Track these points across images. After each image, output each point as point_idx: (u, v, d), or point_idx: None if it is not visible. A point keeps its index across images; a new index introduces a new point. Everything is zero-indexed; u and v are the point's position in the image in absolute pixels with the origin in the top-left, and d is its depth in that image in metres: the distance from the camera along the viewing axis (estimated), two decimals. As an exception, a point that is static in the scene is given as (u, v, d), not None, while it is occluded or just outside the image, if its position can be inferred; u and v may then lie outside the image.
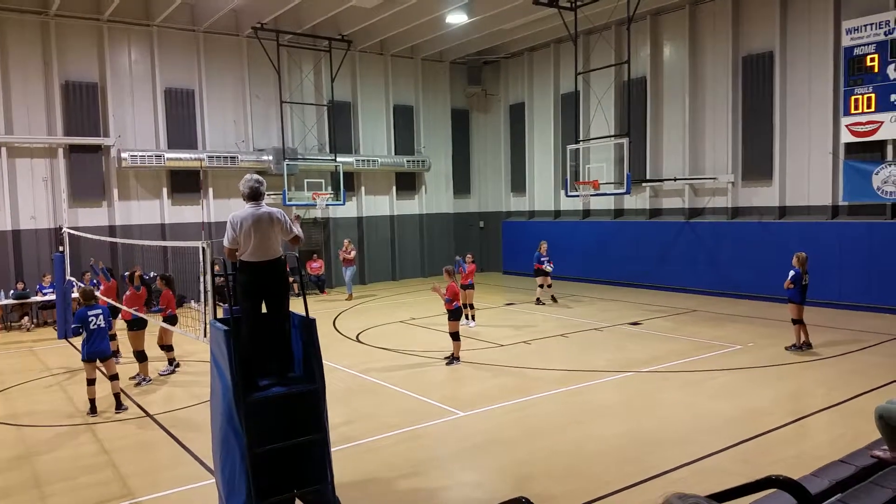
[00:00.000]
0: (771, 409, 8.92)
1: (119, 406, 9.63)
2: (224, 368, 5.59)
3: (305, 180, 21.51)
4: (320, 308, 18.37)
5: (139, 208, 19.74)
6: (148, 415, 9.52)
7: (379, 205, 24.38)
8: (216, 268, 10.81)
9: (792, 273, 11.82)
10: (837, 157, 16.27)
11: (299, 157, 21.49)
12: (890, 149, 15.37)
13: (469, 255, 16.59)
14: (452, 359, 11.88)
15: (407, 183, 24.95)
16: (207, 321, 7.78)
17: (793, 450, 7.50)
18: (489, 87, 26.30)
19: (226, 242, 5.90)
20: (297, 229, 6.23)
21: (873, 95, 15.26)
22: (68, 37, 18.48)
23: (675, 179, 19.60)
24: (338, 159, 21.77)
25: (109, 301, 12.38)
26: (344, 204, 22.37)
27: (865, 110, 15.41)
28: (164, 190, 20.00)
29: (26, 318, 17.22)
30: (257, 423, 5.44)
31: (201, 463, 7.50)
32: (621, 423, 8.68)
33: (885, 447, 5.95)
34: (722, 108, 18.63)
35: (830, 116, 16.35)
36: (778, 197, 17.57)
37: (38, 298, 17.35)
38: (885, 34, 14.97)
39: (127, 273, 13.16)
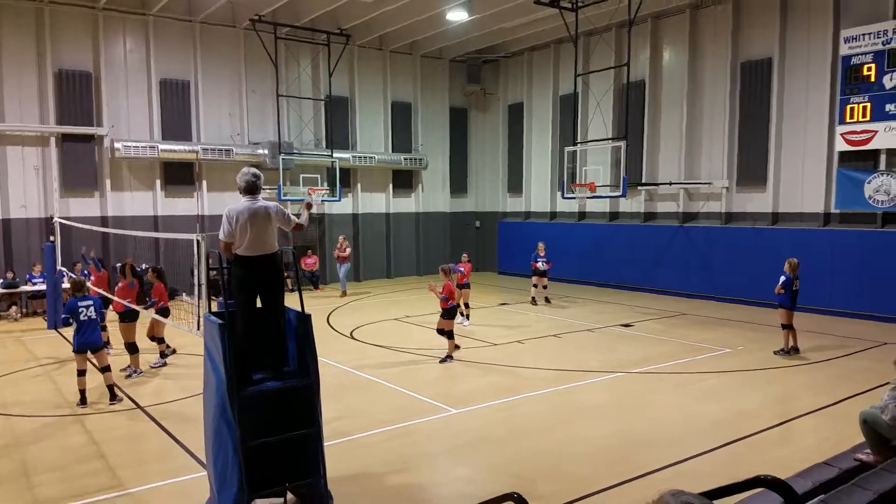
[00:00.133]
0: (758, 411, 9.01)
1: (113, 397, 9.58)
2: (218, 362, 5.59)
3: (301, 175, 21.44)
4: (314, 304, 18.34)
5: (132, 199, 19.63)
6: (139, 406, 9.49)
7: (375, 202, 24.33)
8: (210, 261, 10.75)
9: (783, 279, 11.93)
10: (831, 165, 16.37)
11: (295, 151, 21.44)
12: (883, 158, 15.46)
13: (465, 255, 16.64)
14: (450, 356, 11.91)
15: (404, 181, 24.91)
16: (201, 314, 7.77)
17: (779, 452, 7.59)
18: (488, 87, 26.29)
19: (221, 236, 5.89)
20: (304, 217, 6.29)
21: (869, 105, 15.35)
22: (62, 24, 18.31)
23: (671, 184, 19.66)
24: (334, 155, 21.74)
25: (101, 292, 12.34)
26: (340, 200, 22.34)
27: (860, 119, 15.49)
28: (158, 181, 19.90)
29: (14, 307, 17.12)
30: (251, 417, 5.45)
31: (192, 455, 7.49)
32: (611, 422, 8.74)
33: (868, 451, 6.06)
34: (719, 114, 18.70)
35: (826, 124, 16.43)
36: (771, 203, 17.67)
37: (28, 288, 17.27)
38: (883, 44, 15.05)
39: (119, 264, 13.12)
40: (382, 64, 23.89)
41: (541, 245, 18.35)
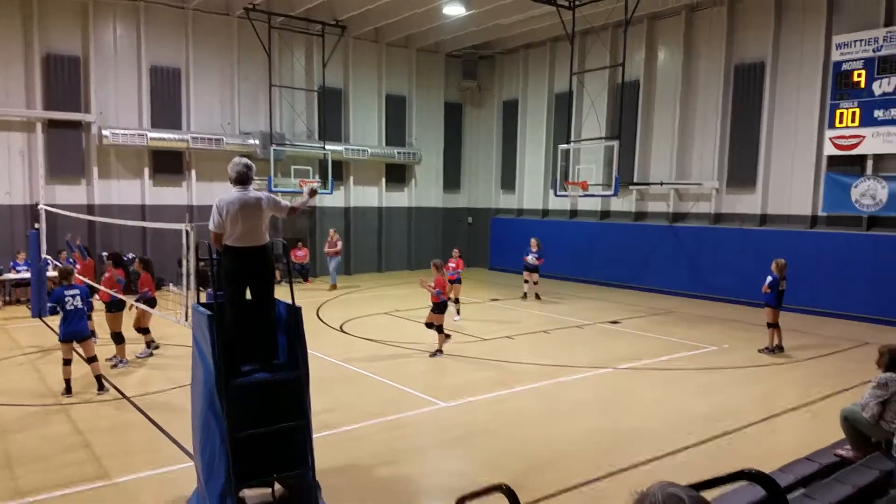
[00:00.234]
0: (743, 407, 9.13)
1: (101, 388, 9.50)
2: (207, 353, 5.56)
3: (292, 167, 21.32)
4: (303, 297, 18.21)
5: (119, 188, 19.42)
6: (125, 397, 9.42)
7: (367, 196, 24.23)
8: (199, 251, 10.69)
9: (770, 278, 12.07)
10: (819, 169, 16.51)
11: (287, 142, 21.30)
12: (870, 163, 15.60)
13: (456, 250, 16.63)
14: (437, 352, 11.92)
15: (397, 175, 24.83)
16: (189, 305, 7.74)
17: (762, 447, 7.70)
18: (483, 83, 26.22)
19: (211, 226, 5.84)
20: (300, 200, 6.31)
21: (858, 110, 15.48)
22: (51, 7, 18.04)
23: (662, 184, 19.75)
24: (326, 147, 21.63)
25: (86, 280, 12.23)
26: (331, 193, 22.26)
27: (849, 124, 15.63)
28: (146, 170, 19.71)
29: (-3, 294, 16.97)
30: (239, 409, 5.42)
31: (179, 446, 7.47)
32: (598, 417, 8.82)
33: (848, 447, 6.21)
34: (711, 115, 18.79)
35: (816, 128, 16.55)
36: (760, 205, 17.79)
37: (12, 276, 17.05)
38: (874, 51, 15.17)
39: (105, 253, 13.00)
40: (377, 56, 23.76)
41: (533, 241, 18.41)
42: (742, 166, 18.17)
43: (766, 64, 17.49)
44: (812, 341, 13.33)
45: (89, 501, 6.22)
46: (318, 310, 16.53)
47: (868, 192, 15.41)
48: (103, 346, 11.64)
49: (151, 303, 11.43)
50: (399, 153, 24.08)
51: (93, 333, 11.52)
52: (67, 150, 18.49)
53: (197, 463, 5.95)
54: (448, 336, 12.18)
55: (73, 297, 9.44)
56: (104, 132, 18.38)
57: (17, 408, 8.91)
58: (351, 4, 20.03)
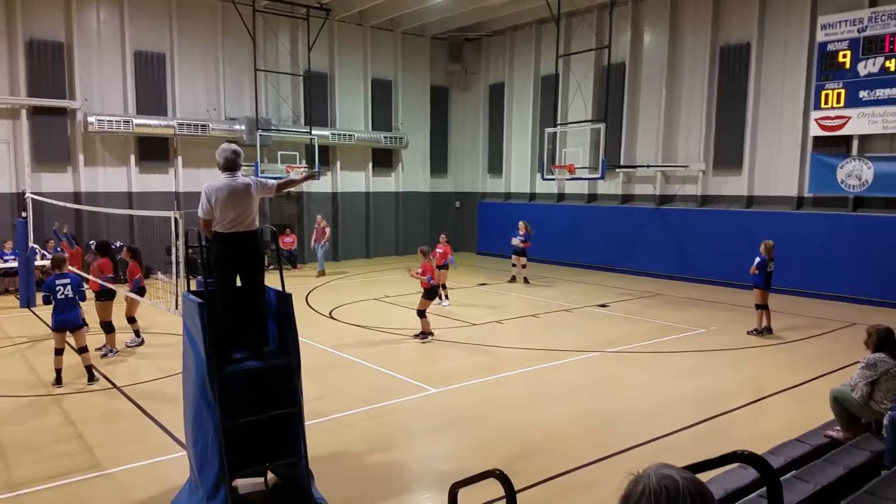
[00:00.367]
0: (732, 390, 9.22)
1: (91, 378, 9.48)
2: (198, 341, 5.55)
3: (279, 152, 21.21)
4: (292, 283, 18.09)
5: (105, 175, 19.26)
6: (115, 386, 9.40)
7: (355, 181, 24.14)
8: (188, 238, 10.61)
9: (758, 259, 12.15)
10: (805, 150, 16.60)
11: (273, 128, 21.16)
12: (855, 144, 15.72)
13: (443, 236, 16.63)
14: (425, 335, 11.96)
15: (384, 160, 24.74)
16: (179, 293, 7.70)
17: (752, 429, 7.80)
18: (470, 66, 26.10)
19: (200, 213, 5.80)
20: (293, 176, 6.24)
21: (843, 91, 15.56)
22: (34, -8, 17.83)
23: (648, 166, 19.81)
24: (313, 132, 21.50)
25: (74, 269, 12.12)
26: (318, 179, 22.14)
27: (835, 105, 15.71)
28: (132, 157, 19.54)
29: (-15, 284, 16.83)
30: (231, 397, 5.42)
31: (170, 435, 7.47)
32: (588, 401, 8.87)
33: (838, 428, 6.26)
34: (697, 97, 18.82)
35: (801, 110, 16.63)
36: (746, 186, 17.90)
37: (-1, 265, 16.95)
38: (859, 31, 15.23)
39: (93, 242, 12.88)
40: (363, 40, 23.58)
41: (521, 224, 18.45)
42: (728, 148, 18.25)
43: (752, 45, 17.52)
44: (800, 322, 13.47)
45: (82, 492, 6.22)
46: (306, 296, 16.51)
47: (854, 173, 15.53)
48: (92, 336, 11.60)
49: (141, 292, 11.37)
50: (386, 138, 23.97)
51: (84, 323, 11.47)
52: (52, 138, 18.30)
53: (189, 452, 5.95)
54: (431, 334, 12.14)
55: (64, 286, 9.38)
56: (89, 119, 18.19)
57: (8, 398, 8.87)
58: (335, -13, 19.86)
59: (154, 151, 19.81)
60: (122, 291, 11.21)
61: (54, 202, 15.67)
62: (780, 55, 17.10)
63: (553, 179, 20.05)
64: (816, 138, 16.30)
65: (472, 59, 26.04)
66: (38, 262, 15.87)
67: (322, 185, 23.02)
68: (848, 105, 15.49)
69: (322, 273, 20.17)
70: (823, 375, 9.72)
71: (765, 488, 3.69)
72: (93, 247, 12.51)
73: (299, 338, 5.94)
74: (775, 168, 17.38)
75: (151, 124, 19.21)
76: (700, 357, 10.98)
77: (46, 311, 13.75)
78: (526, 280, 18.50)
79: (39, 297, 14.91)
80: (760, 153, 17.67)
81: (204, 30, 20.38)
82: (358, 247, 24.37)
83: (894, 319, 11.39)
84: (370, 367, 10.36)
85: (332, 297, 16.57)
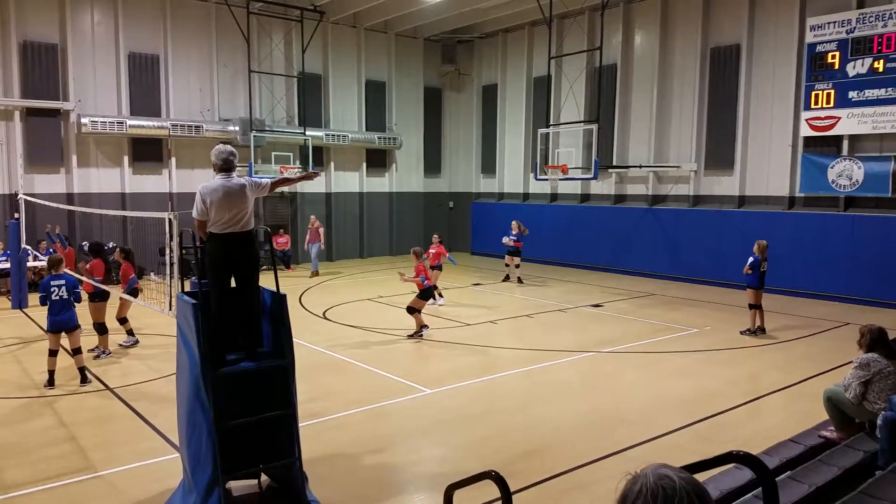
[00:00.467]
0: (725, 390, 9.23)
1: (84, 380, 9.46)
2: (191, 342, 5.53)
3: (273, 153, 21.20)
4: (286, 284, 18.09)
5: (98, 176, 19.20)
6: (108, 388, 9.37)
7: (348, 181, 24.14)
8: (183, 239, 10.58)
9: (751, 259, 12.16)
10: (796, 150, 16.68)
11: (267, 128, 21.13)
12: (846, 144, 15.81)
13: (436, 236, 16.63)
14: (421, 329, 11.96)
15: (377, 160, 24.75)
16: (173, 294, 7.68)
17: (746, 429, 7.80)
18: (462, 67, 26.17)
19: (195, 214, 5.79)
20: (289, 174, 6.22)
21: (833, 91, 15.66)
22: (28, -7, 17.80)
23: (641, 167, 19.88)
24: (307, 133, 21.51)
25: (66, 270, 12.06)
26: (314, 178, 22.07)
27: (825, 105, 15.82)
28: (125, 158, 19.50)
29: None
30: (225, 398, 5.41)
31: (164, 437, 7.45)
32: (583, 401, 8.89)
33: (832, 428, 6.26)
34: (688, 98, 18.90)
35: (791, 110, 16.72)
36: (738, 186, 17.97)
37: (-8, 266, 16.84)
38: (847, 32, 15.33)
39: (85, 243, 12.82)
40: (356, 42, 23.60)
41: (514, 223, 18.49)
42: (720, 148, 18.34)
43: (742, 46, 17.61)
44: (793, 322, 13.52)
45: (75, 494, 6.20)
46: (300, 297, 16.50)
47: (844, 173, 15.61)
48: (84, 337, 11.53)
49: (134, 293, 11.33)
50: (379, 138, 23.98)
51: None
52: (46, 139, 18.25)
53: (183, 454, 5.93)
54: (425, 326, 12.17)
55: (59, 287, 9.34)
56: (83, 120, 18.16)
57: (0, 400, 8.82)
58: (329, -11, 19.86)
59: (148, 152, 19.76)
60: (115, 293, 11.17)
61: (47, 203, 15.63)
62: (769, 56, 17.19)
63: (546, 180, 20.09)
64: (807, 138, 16.40)
65: (464, 60, 26.09)
66: (31, 264, 15.79)
67: (316, 185, 23.00)
68: (838, 105, 15.59)
69: (315, 273, 20.16)
70: (817, 375, 9.73)
71: (760, 489, 3.70)
72: (85, 248, 12.46)
73: (293, 338, 5.93)
74: (767, 168, 17.47)
75: (145, 125, 19.18)
76: (694, 357, 11.01)
77: (38, 313, 13.78)
78: (520, 280, 18.54)
79: (32, 298, 14.96)
80: (752, 153, 17.74)
81: (198, 31, 20.37)
82: (352, 247, 24.37)
83: (887, 319, 11.56)
84: (364, 367, 10.35)
85: (325, 297, 16.56)
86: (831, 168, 15.81)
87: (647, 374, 10.06)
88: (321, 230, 20.66)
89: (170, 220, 8.41)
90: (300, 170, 21.25)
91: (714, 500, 4.13)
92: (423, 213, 25.99)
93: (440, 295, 15.48)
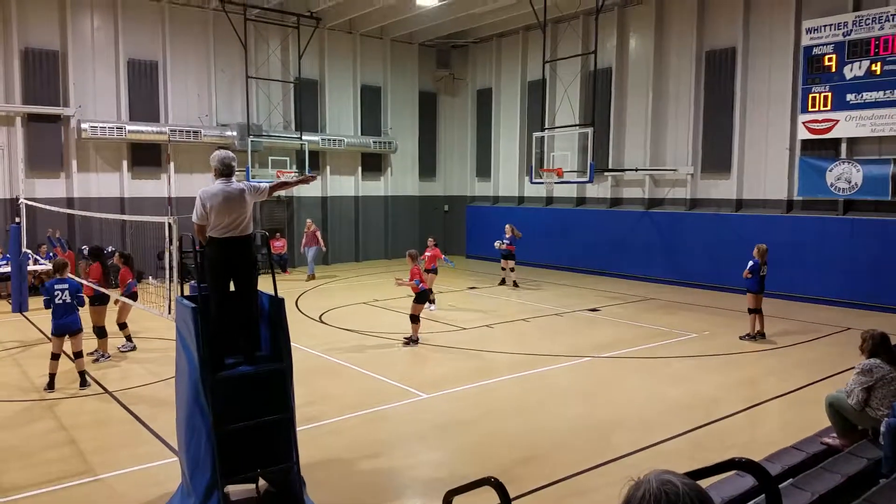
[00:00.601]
0: (725, 395, 9.18)
1: (84, 383, 9.47)
2: (191, 346, 5.55)
3: (270, 158, 21.25)
4: (282, 288, 18.06)
5: (98, 181, 19.26)
6: (107, 391, 9.38)
7: (344, 185, 24.18)
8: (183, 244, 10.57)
9: (751, 263, 12.08)
10: (794, 153, 16.71)
11: (264, 133, 21.19)
12: (844, 147, 15.81)
13: (431, 240, 16.61)
14: (410, 340, 11.95)
15: (373, 164, 24.79)
16: (173, 298, 7.68)
17: (746, 436, 7.77)
18: (457, 71, 26.24)
19: (195, 218, 5.82)
20: (287, 177, 6.24)
21: (830, 94, 15.67)
22: (29, 2, 17.88)
23: (637, 170, 19.91)
24: (303, 138, 21.55)
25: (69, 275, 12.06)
26: (310, 182, 22.10)
27: (822, 108, 15.81)
28: (125, 163, 19.55)
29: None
30: (224, 402, 5.42)
31: (163, 441, 7.47)
32: (580, 406, 8.89)
33: (835, 435, 6.15)
34: (684, 102, 18.94)
35: (788, 113, 16.73)
36: (735, 190, 17.99)
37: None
38: (843, 35, 15.37)
39: (85, 247, 12.83)
40: (352, 47, 23.68)
41: (508, 227, 18.52)
42: (716, 151, 18.37)
43: (738, 49, 17.65)
44: (793, 327, 13.43)
45: (75, 498, 6.22)
46: (296, 300, 16.50)
47: (843, 176, 15.60)
48: (84, 340, 11.52)
49: (133, 297, 11.33)
50: (375, 142, 24.05)
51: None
52: (46, 144, 18.34)
53: (182, 458, 5.94)
54: (416, 341, 12.10)
55: (63, 290, 9.36)
56: (83, 125, 18.28)
57: (1, 403, 8.82)
58: (325, -4, 19.93)
59: (147, 157, 19.81)
60: (115, 296, 11.18)
61: (48, 207, 15.69)
62: (765, 59, 17.24)
63: (542, 183, 20.11)
64: (805, 141, 16.39)
65: (459, 65, 26.18)
66: (31, 268, 15.79)
67: (312, 189, 23.05)
68: (835, 108, 15.58)
69: (312, 277, 20.15)
70: (818, 381, 9.62)
71: (762, 496, 3.66)
72: (85, 252, 12.45)
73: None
74: (764, 171, 17.49)
75: (144, 130, 19.25)
76: (692, 362, 10.98)
77: (38, 316, 13.82)
78: (515, 283, 18.55)
79: (32, 302, 14.98)
80: (749, 156, 17.77)
81: (196, 38, 20.46)
82: (347, 251, 24.39)
83: (887, 323, 11.54)
84: (361, 371, 10.36)
85: (321, 301, 16.56)
86: (830, 171, 15.80)
87: (645, 380, 10.03)
88: (318, 233, 20.67)
89: (169, 224, 8.42)
90: (297, 174, 21.31)
91: (716, 508, 4.13)
92: (419, 216, 26.02)
93: (432, 301, 15.44)
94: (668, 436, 7.65)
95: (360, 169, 24.37)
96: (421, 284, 12.00)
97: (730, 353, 11.48)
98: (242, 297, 5.92)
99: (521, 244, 18.80)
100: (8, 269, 15.81)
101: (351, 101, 23.90)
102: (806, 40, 16.04)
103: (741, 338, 12.37)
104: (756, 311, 12.27)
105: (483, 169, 25.70)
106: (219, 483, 5.28)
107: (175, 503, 5.90)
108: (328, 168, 23.57)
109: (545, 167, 19.69)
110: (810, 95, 16.00)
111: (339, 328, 13.48)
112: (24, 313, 14.75)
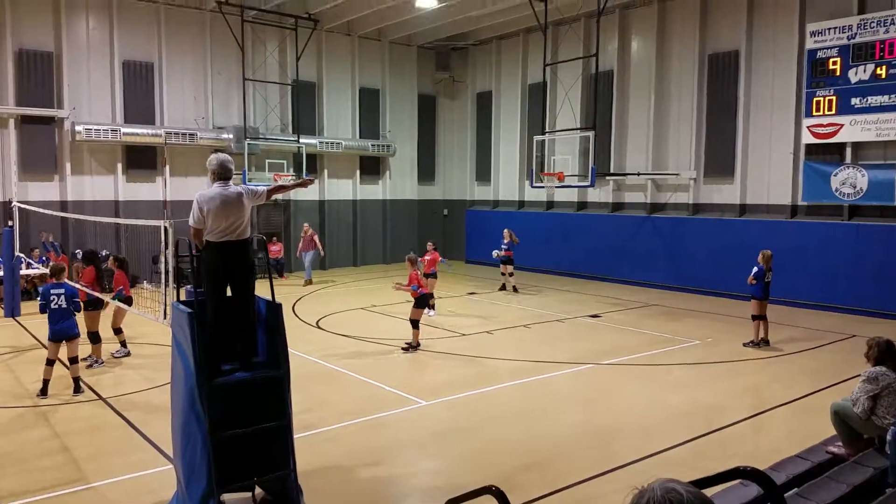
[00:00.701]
0: (729, 403, 9.07)
1: (77, 389, 9.32)
2: (187, 352, 5.44)
3: (267, 161, 21.13)
4: (279, 292, 17.94)
5: (92, 184, 19.11)
6: (101, 398, 9.23)
7: (342, 189, 24.05)
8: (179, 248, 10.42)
9: (755, 269, 11.94)
10: (798, 158, 16.60)
11: (261, 136, 21.06)
12: (849, 151, 15.66)
13: (430, 244, 16.46)
14: (410, 346, 11.81)
15: (371, 167, 24.68)
16: (168, 302, 7.56)
17: (750, 444, 7.69)
18: (457, 74, 26.14)
19: (191, 222, 5.72)
20: (285, 181, 6.13)
21: (834, 98, 15.56)
22: (23, 2, 17.75)
23: (639, 174, 19.81)
24: (301, 141, 21.43)
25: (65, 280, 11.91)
26: (307, 187, 21.97)
27: (826, 112, 15.69)
28: (119, 165, 19.40)
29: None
30: (220, 409, 5.31)
31: (157, 448, 7.33)
32: (582, 414, 8.77)
33: (840, 443, 6.08)
34: (687, 105, 18.85)
35: (792, 117, 16.63)
36: (739, 195, 17.87)
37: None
38: (848, 38, 15.27)
39: (79, 251, 12.71)
40: (351, 49, 23.58)
41: (506, 232, 18.40)
42: (719, 156, 18.26)
43: (741, 53, 17.56)
44: (797, 334, 13.29)
45: (67, 507, 6.07)
46: (293, 305, 16.35)
47: (848, 181, 15.46)
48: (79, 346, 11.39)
49: (127, 301, 11.19)
50: (373, 146, 23.94)
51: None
52: (40, 147, 18.20)
53: (177, 465, 5.82)
54: (416, 347, 11.96)
55: (59, 295, 9.25)
56: (77, 128, 18.12)
57: (-9, 410, 8.69)
58: (323, -3, 19.84)
59: (142, 160, 19.67)
60: (109, 299, 11.04)
61: (41, 210, 15.53)
62: (769, 63, 17.14)
63: (542, 187, 20.01)
64: (809, 146, 16.27)
65: (459, 67, 26.09)
66: (24, 272, 15.63)
67: (309, 193, 22.87)
68: (840, 112, 15.46)
69: (309, 282, 20.03)
70: (823, 389, 9.50)
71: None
72: (79, 255, 12.33)
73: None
74: (768, 176, 17.37)
75: (139, 133, 19.11)
76: (696, 369, 10.84)
77: (31, 321, 13.67)
78: (515, 288, 18.43)
79: (24, 306, 14.85)
80: (752, 161, 17.65)
81: (192, 39, 20.34)
82: (345, 255, 24.24)
83: (893, 330, 11.31)
84: (359, 378, 10.21)
85: (318, 306, 16.41)
86: (834, 176, 15.67)
87: (648, 387, 9.90)
88: (315, 238, 20.54)
89: (165, 228, 8.30)
90: (294, 177, 21.14)
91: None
92: (418, 220, 25.90)
93: (430, 307, 15.28)
94: (670, 444, 7.52)
95: (358, 172, 24.25)
96: (420, 289, 11.85)
97: (733, 361, 11.35)
98: (239, 302, 5.82)
99: (521, 249, 18.67)
100: (0, 273, 15.66)
101: (349, 104, 23.79)
102: (810, 43, 15.95)
103: (745, 345, 12.23)
104: (760, 317, 12.14)
105: (483, 173, 25.59)
106: (215, 491, 5.18)
107: (170, 512, 5.77)
108: (326, 171, 23.44)
109: (546, 171, 19.59)
110: (814, 99, 15.89)
111: (336, 334, 13.33)
112: (17, 318, 14.58)
